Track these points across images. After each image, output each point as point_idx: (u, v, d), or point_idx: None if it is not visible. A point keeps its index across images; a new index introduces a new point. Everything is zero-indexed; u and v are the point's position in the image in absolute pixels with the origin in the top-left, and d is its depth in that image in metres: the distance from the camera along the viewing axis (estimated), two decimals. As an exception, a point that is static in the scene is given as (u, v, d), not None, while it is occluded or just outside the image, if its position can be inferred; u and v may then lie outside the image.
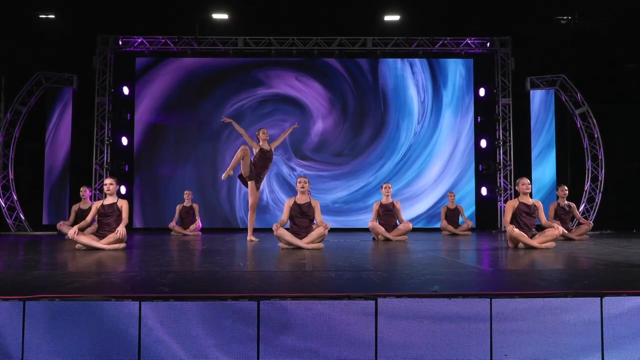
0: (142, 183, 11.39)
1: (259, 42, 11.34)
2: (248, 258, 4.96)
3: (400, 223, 7.82)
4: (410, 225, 7.78)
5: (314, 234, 5.86)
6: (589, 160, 11.06)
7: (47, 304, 2.48)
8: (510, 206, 5.95)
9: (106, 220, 5.80)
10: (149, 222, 11.28)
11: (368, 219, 7.98)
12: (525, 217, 5.88)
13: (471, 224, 9.95)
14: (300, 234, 5.89)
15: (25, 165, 10.95)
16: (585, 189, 11.02)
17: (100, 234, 5.77)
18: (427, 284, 2.96)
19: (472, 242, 7.36)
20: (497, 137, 11.44)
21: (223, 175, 7.36)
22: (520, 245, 5.77)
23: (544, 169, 11.18)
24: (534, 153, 11.26)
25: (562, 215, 8.09)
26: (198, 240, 7.65)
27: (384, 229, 7.57)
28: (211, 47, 11.35)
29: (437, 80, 11.59)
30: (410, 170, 11.48)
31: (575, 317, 2.55)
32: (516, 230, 5.69)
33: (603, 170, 10.93)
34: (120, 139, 11.30)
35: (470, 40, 11.39)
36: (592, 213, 10.86)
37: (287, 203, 6.05)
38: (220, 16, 11.18)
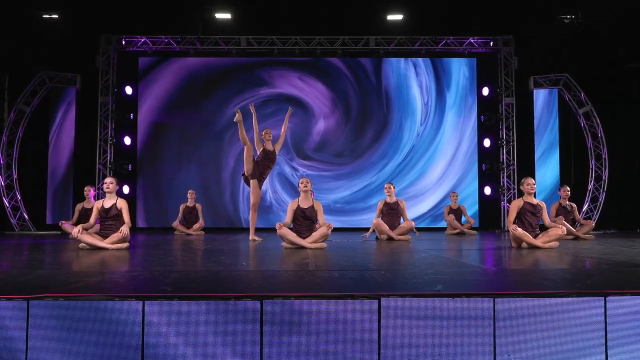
0: (146, 183, 11.42)
1: (262, 41, 11.35)
2: (251, 258, 4.97)
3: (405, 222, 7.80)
4: (413, 224, 7.75)
5: (317, 234, 5.86)
6: (593, 160, 11.02)
7: (51, 303, 2.49)
8: (515, 206, 5.93)
9: (107, 221, 5.82)
10: (152, 222, 11.30)
11: (371, 219, 7.96)
12: (530, 217, 5.86)
13: (473, 221, 9.95)
14: (303, 234, 5.90)
15: (29, 165, 10.97)
16: (589, 188, 10.97)
17: (103, 234, 5.79)
18: (430, 283, 2.96)
19: (476, 241, 7.35)
20: (501, 136, 11.42)
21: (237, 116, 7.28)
22: (524, 245, 5.76)
23: (547, 168, 11.15)
24: (537, 152, 11.24)
25: (564, 216, 8.07)
26: (201, 240, 7.66)
27: (387, 227, 7.55)
28: (214, 46, 11.36)
29: (440, 81, 11.57)
30: (414, 170, 11.46)
31: (578, 317, 2.54)
32: (519, 229, 5.68)
33: (607, 170, 10.90)
34: (124, 139, 11.33)
35: (473, 39, 11.38)
36: (595, 213, 10.82)
37: (291, 206, 6.03)
38: (223, 16, 11.20)
